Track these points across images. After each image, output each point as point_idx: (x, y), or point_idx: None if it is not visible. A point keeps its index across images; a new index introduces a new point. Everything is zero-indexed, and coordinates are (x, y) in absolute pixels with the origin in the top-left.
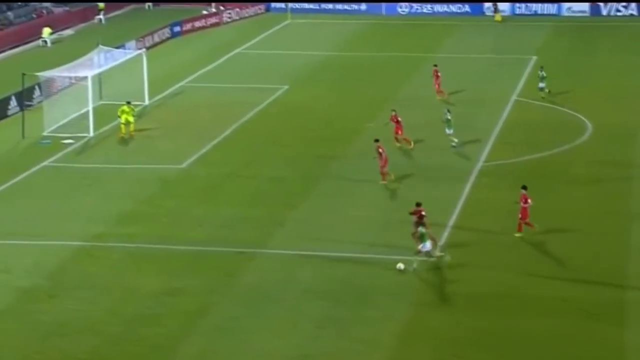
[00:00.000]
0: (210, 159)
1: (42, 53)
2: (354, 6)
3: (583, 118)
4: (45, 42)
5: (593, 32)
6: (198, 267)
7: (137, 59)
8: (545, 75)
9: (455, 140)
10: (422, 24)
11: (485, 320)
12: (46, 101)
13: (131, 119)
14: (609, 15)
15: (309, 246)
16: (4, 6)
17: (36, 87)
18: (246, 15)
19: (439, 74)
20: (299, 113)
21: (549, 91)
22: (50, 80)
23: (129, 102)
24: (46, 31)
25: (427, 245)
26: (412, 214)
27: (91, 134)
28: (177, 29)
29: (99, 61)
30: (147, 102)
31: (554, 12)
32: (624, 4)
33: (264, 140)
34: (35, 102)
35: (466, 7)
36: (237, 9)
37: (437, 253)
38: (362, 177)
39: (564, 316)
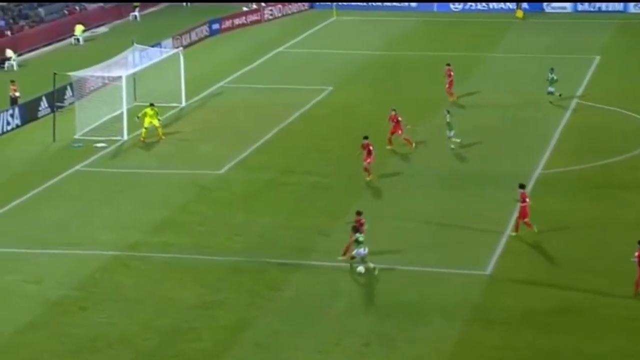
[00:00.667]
0: (250, 164)
1: (75, 52)
2: (404, 3)
3: None
4: (78, 40)
5: None
6: (237, 279)
7: (173, 58)
8: (556, 78)
9: (458, 140)
10: (476, 22)
11: (545, 339)
12: (78, 102)
13: (156, 122)
14: None
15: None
16: (34, 2)
17: (68, 87)
18: (289, 12)
19: (452, 73)
20: (344, 116)
21: (560, 95)
22: (82, 81)
23: (152, 104)
24: (79, 29)
25: (362, 251)
26: (353, 222)
27: (125, 137)
28: (215, 26)
29: (134, 60)
30: (184, 103)
31: (620, 9)
32: None
33: (306, 145)
34: (66, 103)
35: (524, 4)
36: (280, 6)
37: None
38: (411, 184)
39: (629, 336)
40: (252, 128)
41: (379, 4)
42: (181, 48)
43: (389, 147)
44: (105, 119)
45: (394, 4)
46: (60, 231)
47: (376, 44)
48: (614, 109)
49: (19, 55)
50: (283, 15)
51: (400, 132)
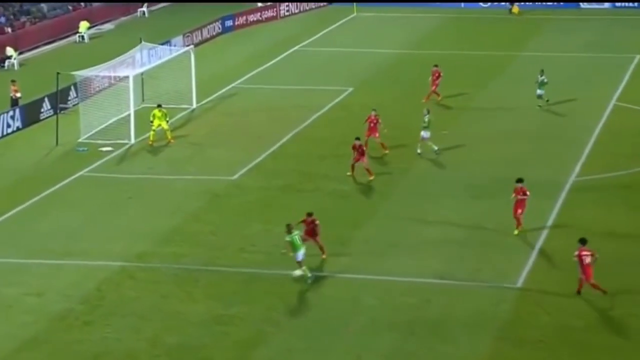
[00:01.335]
0: (265, 170)
1: (79, 50)
2: None
3: None
4: (83, 37)
5: None
6: (250, 293)
7: (184, 57)
8: (546, 80)
9: (435, 148)
10: (506, 19)
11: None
12: (83, 104)
13: (165, 125)
14: None
15: (376, 270)
16: None
17: (72, 87)
18: (307, 8)
19: (439, 74)
20: (365, 119)
21: (548, 100)
22: (87, 81)
23: (159, 105)
24: (83, 25)
25: (299, 255)
26: (303, 222)
27: (132, 140)
28: (229, 23)
29: (142, 59)
30: (194, 105)
31: None
32: None
33: (324, 150)
34: (70, 104)
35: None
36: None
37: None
38: (436, 192)
39: None
40: (267, 131)
41: None
42: (192, 46)
43: (386, 152)
44: (111, 121)
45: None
46: (64, 241)
47: (399, 42)
48: None
49: (20, 53)
50: (300, 12)
51: (377, 135)
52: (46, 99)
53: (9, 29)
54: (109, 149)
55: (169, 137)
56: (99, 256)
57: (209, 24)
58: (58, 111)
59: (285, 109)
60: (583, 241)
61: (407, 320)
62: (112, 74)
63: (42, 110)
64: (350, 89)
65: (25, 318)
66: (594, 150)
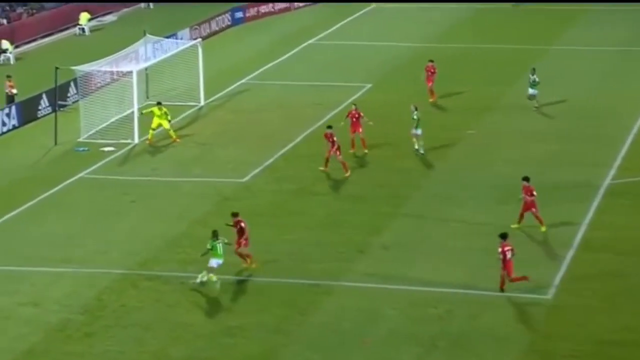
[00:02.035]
0: (278, 172)
1: (79, 43)
2: None
3: None
4: (83, 30)
5: None
6: (261, 302)
7: (191, 51)
8: (538, 80)
9: (422, 152)
10: (538, 10)
11: None
12: (83, 101)
13: (166, 124)
14: None
15: (396, 279)
16: None
17: (71, 83)
18: None
19: (434, 70)
20: (384, 117)
21: (537, 107)
22: (88, 76)
23: (159, 103)
24: (84, 17)
25: (214, 262)
26: (231, 225)
27: (136, 140)
28: (239, 14)
29: (146, 53)
30: (202, 102)
31: None
32: None
33: (341, 150)
34: (70, 101)
35: None
36: None
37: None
38: (459, 194)
39: None
40: (280, 131)
41: None
42: (200, 39)
43: (365, 150)
44: (113, 119)
45: None
46: (62, 247)
47: (421, 35)
48: None
49: (17, 47)
50: (316, 2)
51: (360, 130)
52: (44, 96)
53: (5, 21)
54: (111, 149)
55: (174, 136)
56: (100, 263)
57: (218, 15)
58: (57, 109)
59: (298, 107)
60: (504, 236)
61: (429, 333)
62: (115, 69)
63: (40, 107)
64: (369, 85)
65: (21, 329)
66: (632, 151)
